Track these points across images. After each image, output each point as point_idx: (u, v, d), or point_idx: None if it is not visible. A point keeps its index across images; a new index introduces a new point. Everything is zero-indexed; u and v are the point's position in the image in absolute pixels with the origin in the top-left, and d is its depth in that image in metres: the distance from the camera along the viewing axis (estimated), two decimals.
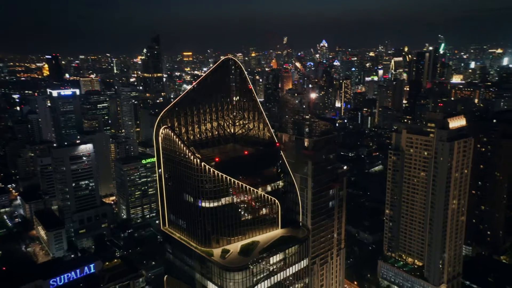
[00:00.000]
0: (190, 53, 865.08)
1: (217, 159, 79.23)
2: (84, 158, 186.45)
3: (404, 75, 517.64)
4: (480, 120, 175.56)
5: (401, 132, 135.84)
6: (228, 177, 78.36)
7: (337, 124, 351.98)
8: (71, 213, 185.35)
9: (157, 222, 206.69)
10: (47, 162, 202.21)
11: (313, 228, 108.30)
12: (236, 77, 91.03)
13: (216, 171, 77.33)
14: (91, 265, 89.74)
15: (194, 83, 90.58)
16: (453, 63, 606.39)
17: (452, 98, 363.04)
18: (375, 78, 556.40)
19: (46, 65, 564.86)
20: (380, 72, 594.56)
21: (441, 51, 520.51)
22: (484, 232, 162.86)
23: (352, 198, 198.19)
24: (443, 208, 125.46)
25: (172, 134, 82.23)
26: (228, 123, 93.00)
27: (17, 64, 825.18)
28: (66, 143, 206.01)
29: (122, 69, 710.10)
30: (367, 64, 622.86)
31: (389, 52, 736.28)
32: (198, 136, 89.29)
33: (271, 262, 78.40)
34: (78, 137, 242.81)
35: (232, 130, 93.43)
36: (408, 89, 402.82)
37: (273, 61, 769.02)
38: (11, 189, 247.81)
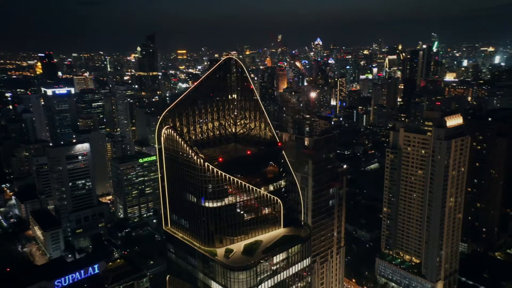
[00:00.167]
0: (184, 51, 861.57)
1: (220, 159, 79.34)
2: (80, 157, 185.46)
3: (398, 73, 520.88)
4: (476, 118, 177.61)
5: (398, 131, 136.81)
6: (232, 177, 78.53)
7: (332, 122, 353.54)
8: (68, 213, 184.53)
9: (154, 221, 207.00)
10: (43, 162, 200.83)
11: (314, 227, 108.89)
12: (238, 77, 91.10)
13: (219, 171, 77.46)
14: (96, 266, 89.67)
15: (195, 83, 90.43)
16: (446, 61, 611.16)
17: (446, 96, 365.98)
18: (370, 76, 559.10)
19: (39, 63, 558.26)
20: (375, 70, 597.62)
21: (435, 49, 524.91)
22: (479, 229, 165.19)
23: (348, 196, 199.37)
24: (440, 206, 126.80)
25: (175, 134, 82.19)
26: (229, 123, 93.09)
27: (7, 61, 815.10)
28: (62, 143, 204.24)
29: (116, 67, 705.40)
30: (362, 62, 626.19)
31: (383, 50, 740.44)
32: (199, 136, 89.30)
33: (274, 262, 78.88)
34: (74, 136, 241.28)
35: (233, 130, 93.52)
36: (402, 87, 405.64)
37: (268, 59, 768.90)
38: (5, 189, 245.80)
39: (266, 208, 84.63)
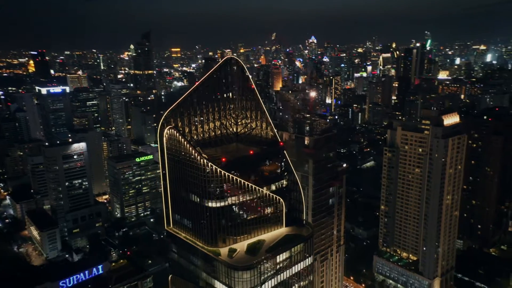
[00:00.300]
0: (178, 49, 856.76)
1: (223, 159, 79.53)
2: (77, 157, 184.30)
3: (393, 71, 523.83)
4: (472, 117, 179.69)
5: (396, 129, 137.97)
6: (235, 177, 78.78)
7: (328, 120, 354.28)
8: (65, 213, 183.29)
9: (151, 220, 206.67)
10: (38, 161, 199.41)
11: (314, 225, 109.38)
12: (238, 76, 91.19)
13: (222, 171, 77.66)
14: (99, 267, 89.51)
15: (196, 83, 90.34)
16: (439, 59, 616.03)
17: (440, 94, 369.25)
18: (364, 74, 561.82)
19: (31, 61, 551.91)
20: (369, 68, 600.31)
21: (428, 47, 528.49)
22: (474, 226, 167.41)
23: (345, 194, 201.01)
24: (437, 204, 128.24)
25: (177, 134, 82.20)
26: (230, 123, 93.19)
27: None
28: (58, 142, 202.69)
29: (109, 65, 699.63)
30: (356, 60, 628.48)
31: (377, 48, 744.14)
32: (201, 135, 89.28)
33: (277, 261, 79.40)
34: (70, 135, 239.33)
35: (234, 130, 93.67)
36: (397, 85, 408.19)
37: (262, 57, 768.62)
38: None
39: (268, 208, 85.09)
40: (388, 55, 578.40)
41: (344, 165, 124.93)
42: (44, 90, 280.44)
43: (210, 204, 79.20)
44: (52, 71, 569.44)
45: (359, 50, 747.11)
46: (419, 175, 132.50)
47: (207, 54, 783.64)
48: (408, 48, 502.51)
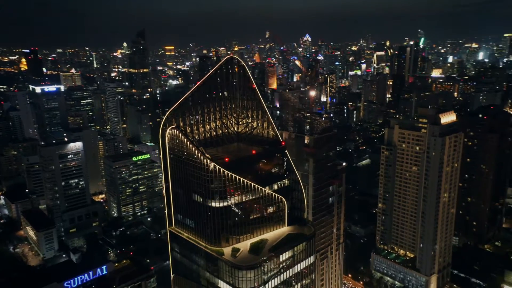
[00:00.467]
0: (172, 47, 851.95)
1: (226, 159, 79.71)
2: (73, 156, 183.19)
3: (387, 69, 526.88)
4: (467, 115, 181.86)
5: (393, 128, 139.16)
6: (238, 177, 79.03)
7: (323, 118, 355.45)
8: (61, 212, 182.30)
9: (149, 219, 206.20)
10: (34, 161, 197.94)
11: (314, 224, 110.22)
12: (239, 76, 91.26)
13: (225, 171, 77.86)
14: (104, 267, 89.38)
15: (198, 83, 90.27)
16: (432, 57, 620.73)
17: (434, 92, 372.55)
18: (359, 72, 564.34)
19: (23, 59, 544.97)
20: (363, 66, 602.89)
21: (421, 45, 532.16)
22: (470, 222, 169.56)
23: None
24: (435, 201, 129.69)
25: (180, 134, 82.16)
26: (231, 122, 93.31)
27: None
28: (54, 141, 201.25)
29: (102, 63, 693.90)
30: (350, 58, 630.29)
31: (370, 46, 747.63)
32: (202, 135, 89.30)
33: (280, 260, 79.90)
34: (65, 134, 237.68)
35: (236, 129, 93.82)
36: (391, 83, 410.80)
37: (256, 55, 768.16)
38: None
39: (270, 207, 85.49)
40: (382, 53, 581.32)
41: (344, 163, 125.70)
42: (38, 89, 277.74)
43: (213, 204, 79.36)
44: (44, 69, 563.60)
45: (353, 48, 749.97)
46: (417, 173, 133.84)
47: (201, 52, 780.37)
48: (402, 46, 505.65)
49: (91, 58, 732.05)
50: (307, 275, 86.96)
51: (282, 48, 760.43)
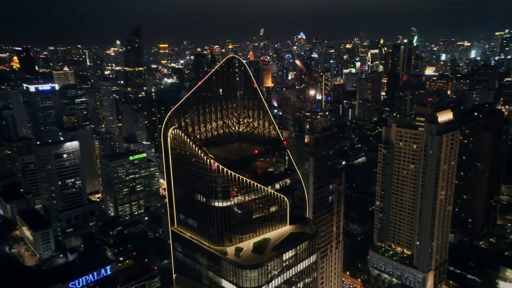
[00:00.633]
0: (166, 45, 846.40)
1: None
2: (70, 155, 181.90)
3: (381, 67, 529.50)
4: (463, 113, 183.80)
5: (390, 126, 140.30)
6: (240, 176, 79.27)
7: (319, 117, 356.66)
8: (58, 212, 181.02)
9: (146, 218, 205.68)
10: (29, 160, 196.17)
11: (315, 222, 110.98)
12: (240, 76, 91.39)
13: (228, 171, 78.04)
14: (108, 267, 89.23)
15: (199, 82, 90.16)
16: (425, 55, 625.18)
17: (428, 90, 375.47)
18: (353, 70, 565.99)
19: (15, 57, 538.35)
20: (358, 64, 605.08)
21: (415, 44, 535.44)
22: (465, 219, 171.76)
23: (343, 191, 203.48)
24: (432, 199, 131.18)
25: (182, 134, 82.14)
26: (233, 122, 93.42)
27: None
28: (50, 141, 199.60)
29: (95, 61, 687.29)
30: (344, 56, 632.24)
31: (364, 44, 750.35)
32: (204, 135, 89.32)
33: (283, 259, 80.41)
34: (60, 133, 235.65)
35: (237, 129, 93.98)
36: (386, 81, 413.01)
37: (250, 53, 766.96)
38: None
39: (273, 206, 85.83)
40: (376, 51, 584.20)
41: (343, 162, 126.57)
42: (32, 88, 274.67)
43: (216, 204, 79.54)
44: (36, 67, 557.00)
45: (348, 46, 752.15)
46: (414, 171, 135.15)
47: (195, 50, 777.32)
48: (396, 44, 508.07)
49: (83, 56, 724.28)
50: (310, 274, 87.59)
51: (276, 46, 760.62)
